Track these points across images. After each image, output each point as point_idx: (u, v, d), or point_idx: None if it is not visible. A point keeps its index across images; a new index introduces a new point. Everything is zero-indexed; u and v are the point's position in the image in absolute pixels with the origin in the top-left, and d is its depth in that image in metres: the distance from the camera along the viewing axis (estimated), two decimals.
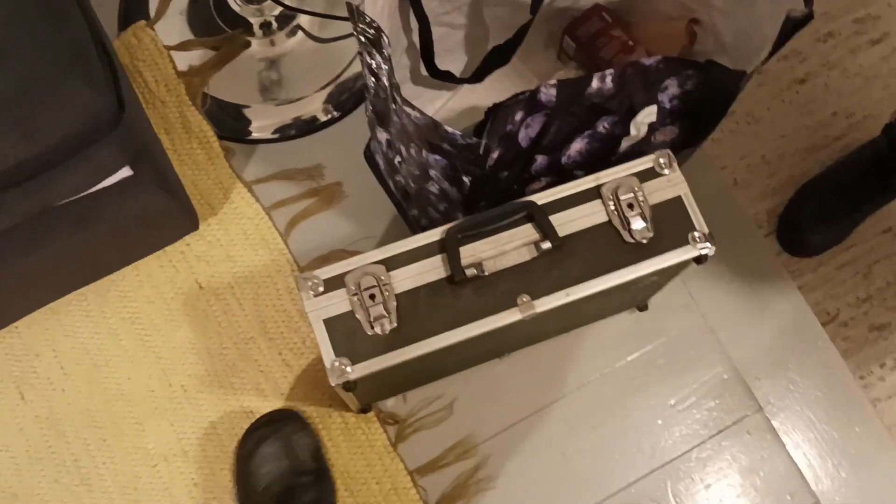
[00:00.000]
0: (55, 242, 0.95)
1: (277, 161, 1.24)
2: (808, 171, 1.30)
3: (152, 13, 1.26)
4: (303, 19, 1.27)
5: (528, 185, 0.97)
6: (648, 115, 0.91)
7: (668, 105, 0.91)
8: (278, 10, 1.24)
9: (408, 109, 0.85)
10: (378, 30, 0.84)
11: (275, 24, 1.25)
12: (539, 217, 0.89)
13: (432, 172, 0.93)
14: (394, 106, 0.88)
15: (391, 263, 0.89)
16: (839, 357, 1.21)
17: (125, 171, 0.94)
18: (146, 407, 1.13)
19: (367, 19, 0.84)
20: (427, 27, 1.07)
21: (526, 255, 0.89)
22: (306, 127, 1.25)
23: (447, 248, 0.88)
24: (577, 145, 0.93)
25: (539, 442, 1.15)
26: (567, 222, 0.90)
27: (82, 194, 0.92)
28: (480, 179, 0.91)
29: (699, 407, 1.17)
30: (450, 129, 0.84)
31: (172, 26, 1.25)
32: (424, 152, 0.91)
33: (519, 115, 0.86)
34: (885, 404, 1.20)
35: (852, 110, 1.35)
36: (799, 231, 1.26)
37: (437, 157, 0.89)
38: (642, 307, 1.19)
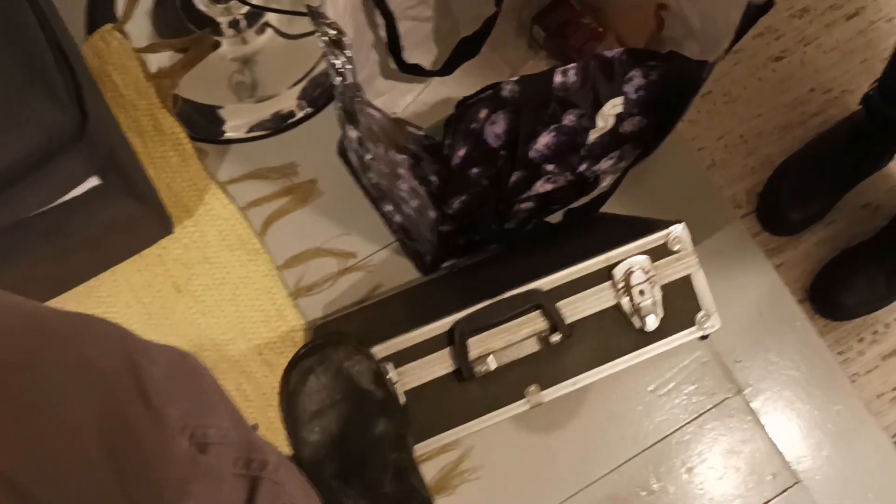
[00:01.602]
0: (27, 254, 0.95)
1: (251, 160, 1.24)
2: (786, 148, 1.30)
3: (119, 15, 1.25)
4: (271, 17, 1.26)
5: (500, 181, 0.97)
6: (614, 106, 0.91)
7: (633, 96, 0.91)
8: (246, 8, 1.23)
9: (370, 111, 0.84)
10: (339, 31, 0.83)
11: (243, 23, 1.24)
12: (548, 307, 0.89)
13: (400, 171, 0.93)
14: (358, 107, 0.88)
15: (398, 359, 0.89)
16: (817, 335, 1.22)
17: (93, 181, 0.94)
18: None
19: (327, 21, 0.84)
20: (392, 23, 1.07)
21: (534, 345, 0.90)
22: (280, 124, 1.25)
23: (455, 343, 0.88)
24: (544, 139, 0.92)
25: (522, 432, 1.16)
26: (576, 308, 0.91)
27: (51, 206, 0.92)
28: (448, 178, 0.91)
29: (679, 391, 1.18)
30: (413, 130, 0.84)
31: (140, 28, 1.25)
32: (391, 152, 0.91)
33: (483, 113, 0.86)
34: (864, 379, 1.21)
35: (829, 86, 1.35)
36: (778, 209, 1.26)
37: (404, 156, 0.89)
38: None
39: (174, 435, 0.51)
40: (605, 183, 1.10)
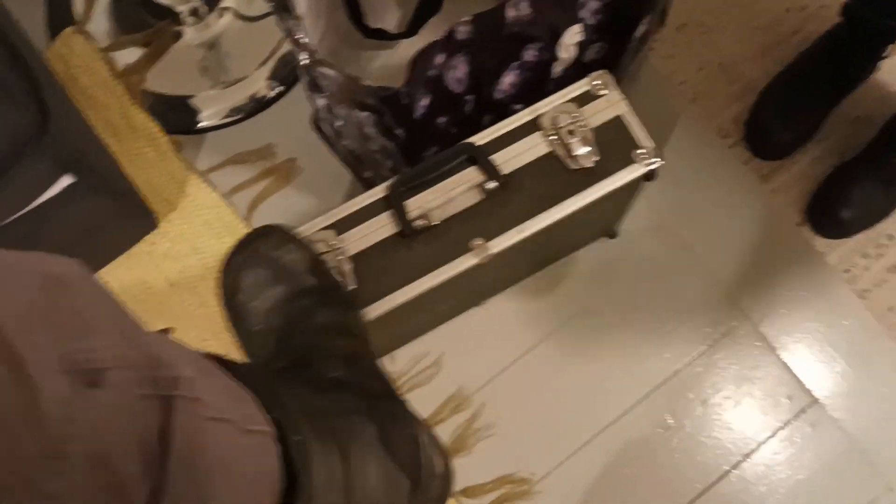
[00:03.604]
0: None
1: (228, 147, 1.23)
2: (768, 71, 1.28)
3: (79, 17, 1.24)
4: (230, 0, 1.25)
5: (470, 128, 0.96)
6: (574, 34, 0.89)
7: (592, 21, 0.89)
8: None
9: (324, 70, 0.83)
10: (291, 3, 0.82)
11: (203, 9, 1.23)
12: (480, 158, 0.88)
13: (367, 130, 0.92)
14: (315, 70, 0.87)
15: (340, 226, 0.89)
16: (819, 255, 1.20)
17: (65, 180, 0.93)
18: None
19: None
20: None
21: (473, 198, 0.89)
22: (255, 106, 1.24)
23: (392, 203, 0.88)
24: (508, 78, 0.91)
25: (530, 384, 1.15)
26: (509, 159, 0.89)
27: (25, 211, 0.91)
28: (413, 130, 0.90)
29: (685, 324, 1.16)
30: (367, 83, 0.83)
31: (101, 27, 1.24)
32: (354, 111, 0.89)
33: (439, 59, 0.85)
34: (874, 293, 1.19)
35: (805, 3, 1.32)
36: (767, 133, 1.24)
37: (366, 113, 0.88)
38: (612, 235, 1.18)
39: (43, 378, 0.41)
40: None
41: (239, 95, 1.24)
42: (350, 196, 1.20)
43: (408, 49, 1.22)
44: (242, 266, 0.81)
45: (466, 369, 1.15)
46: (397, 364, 1.15)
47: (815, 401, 1.13)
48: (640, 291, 1.18)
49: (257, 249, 0.82)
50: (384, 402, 0.75)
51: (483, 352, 1.16)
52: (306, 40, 0.85)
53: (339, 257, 0.87)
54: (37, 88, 0.89)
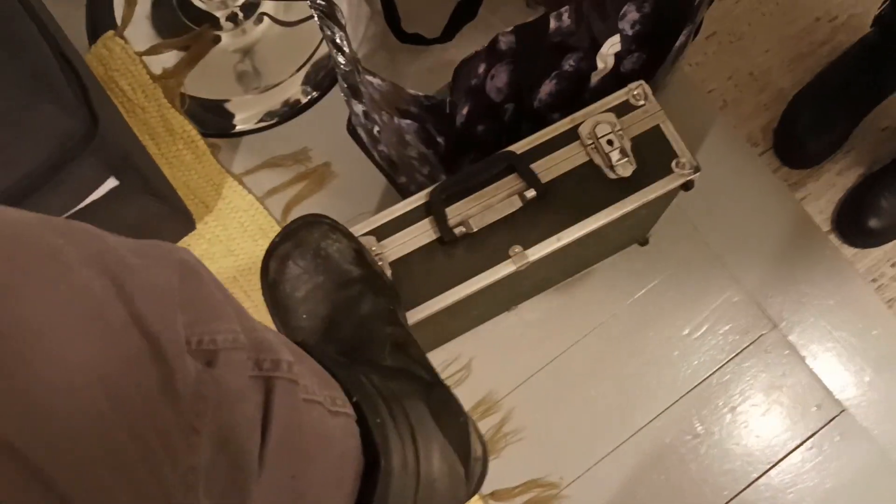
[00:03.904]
0: None
1: (264, 150, 1.25)
2: (797, 81, 1.29)
3: (119, 21, 1.26)
4: (267, 6, 1.27)
5: (508, 136, 0.97)
6: (612, 45, 0.91)
7: (630, 31, 0.90)
8: (241, 0, 1.24)
9: (369, 78, 0.85)
10: (329, 1, 0.84)
11: (241, 15, 1.25)
12: (520, 166, 0.89)
13: (407, 137, 0.93)
14: (358, 77, 0.88)
15: (380, 233, 0.90)
16: (848, 263, 1.20)
17: (111, 183, 0.95)
18: None
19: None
20: None
21: (512, 205, 0.90)
22: (288, 112, 1.26)
23: (433, 210, 0.89)
24: (547, 87, 0.92)
25: (560, 389, 1.16)
26: (549, 168, 0.90)
27: (71, 212, 0.93)
28: (454, 138, 0.91)
29: (714, 333, 1.17)
30: (413, 92, 0.84)
31: (141, 32, 1.26)
32: (395, 118, 0.91)
33: (481, 68, 0.86)
34: None
35: (834, 13, 1.33)
36: (796, 142, 1.25)
37: (408, 121, 0.89)
38: (643, 242, 1.19)
39: (178, 357, 0.42)
40: None
41: (274, 100, 1.26)
42: (384, 201, 1.22)
43: (441, 55, 1.24)
44: (289, 254, 0.80)
45: (496, 373, 1.16)
46: None
47: (843, 410, 1.14)
48: (669, 299, 1.19)
49: (304, 239, 0.81)
50: (436, 390, 0.75)
51: (513, 356, 1.17)
52: (348, 48, 0.86)
53: (380, 263, 0.88)
54: (86, 93, 0.91)
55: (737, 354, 1.16)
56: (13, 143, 0.83)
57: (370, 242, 0.89)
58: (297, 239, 0.81)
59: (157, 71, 1.24)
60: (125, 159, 0.96)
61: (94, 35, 1.26)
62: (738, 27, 1.33)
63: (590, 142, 0.90)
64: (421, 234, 0.90)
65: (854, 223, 1.21)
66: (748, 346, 1.17)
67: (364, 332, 0.77)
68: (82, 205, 0.94)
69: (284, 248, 0.81)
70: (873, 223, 1.20)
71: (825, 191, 1.25)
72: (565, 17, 0.86)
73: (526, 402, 1.15)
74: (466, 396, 1.16)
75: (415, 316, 0.88)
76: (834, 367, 1.16)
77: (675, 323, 1.18)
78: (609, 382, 1.16)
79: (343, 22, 0.84)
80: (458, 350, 1.17)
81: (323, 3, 0.83)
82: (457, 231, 0.88)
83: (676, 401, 1.15)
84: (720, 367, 1.16)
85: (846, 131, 1.25)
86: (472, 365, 1.17)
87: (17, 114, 0.83)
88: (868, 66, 1.21)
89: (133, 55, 1.23)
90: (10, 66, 0.84)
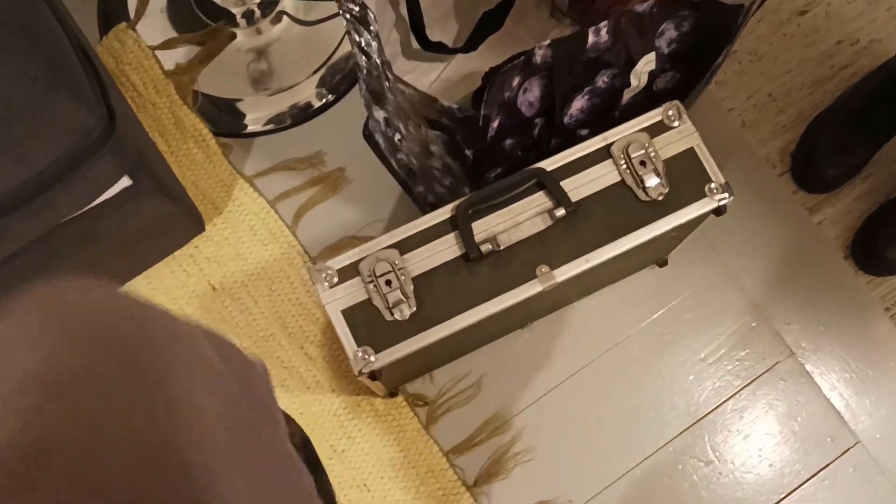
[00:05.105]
0: (61, 263, 0.93)
1: (276, 152, 1.22)
2: (817, 104, 1.27)
3: (132, 13, 1.23)
4: (287, 4, 1.24)
5: (535, 151, 0.94)
6: (647, 62, 0.88)
7: (666, 50, 0.88)
8: None
9: (402, 87, 0.82)
10: (363, 6, 0.81)
11: (258, 13, 1.22)
12: (550, 184, 0.87)
13: (433, 148, 0.91)
14: (387, 84, 0.86)
15: (404, 246, 0.87)
16: (865, 292, 1.19)
17: (124, 182, 0.92)
18: None
19: (354, 2, 0.81)
20: (415, 4, 1.04)
21: (540, 224, 0.87)
22: (302, 114, 1.23)
23: (459, 225, 0.86)
24: (578, 103, 0.90)
25: (572, 409, 1.14)
26: (579, 186, 0.88)
27: (84, 210, 0.90)
28: (483, 151, 0.88)
29: (730, 358, 1.15)
30: (446, 104, 0.81)
31: (154, 25, 1.22)
32: (423, 129, 0.88)
33: (516, 81, 0.83)
34: None
35: (857, 36, 1.31)
36: (814, 166, 1.23)
37: (437, 132, 0.87)
38: (662, 263, 1.17)
39: (283, 436, 0.51)
40: None
41: (287, 102, 1.22)
42: (398, 209, 1.20)
43: (463, 65, 1.21)
44: None
45: (507, 391, 1.14)
46: (436, 383, 1.14)
47: (858, 442, 1.12)
48: (686, 321, 1.17)
49: None
50: None
51: (525, 375, 1.14)
52: (377, 54, 0.84)
53: (402, 278, 0.85)
54: (103, 88, 0.88)
55: (752, 381, 1.14)
56: (28, 138, 0.80)
57: (392, 255, 0.86)
58: None
59: (170, 66, 1.21)
60: (140, 158, 0.93)
61: (105, 27, 1.22)
62: (760, 47, 1.31)
63: (622, 161, 0.88)
64: (445, 249, 0.87)
65: (870, 251, 1.20)
66: (764, 373, 1.15)
67: None
68: (94, 204, 0.90)
69: None
70: (890, 252, 1.18)
71: (842, 216, 1.23)
72: (603, 32, 0.84)
73: (537, 421, 1.13)
74: (476, 414, 1.13)
75: (437, 333, 0.85)
76: (850, 399, 1.14)
77: (690, 346, 1.16)
78: (622, 405, 1.14)
79: (374, 28, 0.81)
80: (468, 367, 1.14)
81: (357, 8, 0.80)
82: (483, 248, 0.85)
83: (690, 426, 1.13)
84: (735, 394, 1.14)
85: (865, 158, 1.24)
86: (482, 382, 1.14)
87: (35, 107, 0.80)
88: (890, 94, 1.20)
89: (146, 49, 1.19)
90: (29, 58, 0.81)
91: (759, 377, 1.15)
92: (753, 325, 1.16)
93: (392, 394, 1.12)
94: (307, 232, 1.19)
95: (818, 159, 1.23)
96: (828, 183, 1.24)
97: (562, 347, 1.15)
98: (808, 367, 1.15)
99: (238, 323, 1.14)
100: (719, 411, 1.13)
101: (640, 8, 0.85)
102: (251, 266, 1.16)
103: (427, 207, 1.15)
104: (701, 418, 1.13)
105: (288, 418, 1.01)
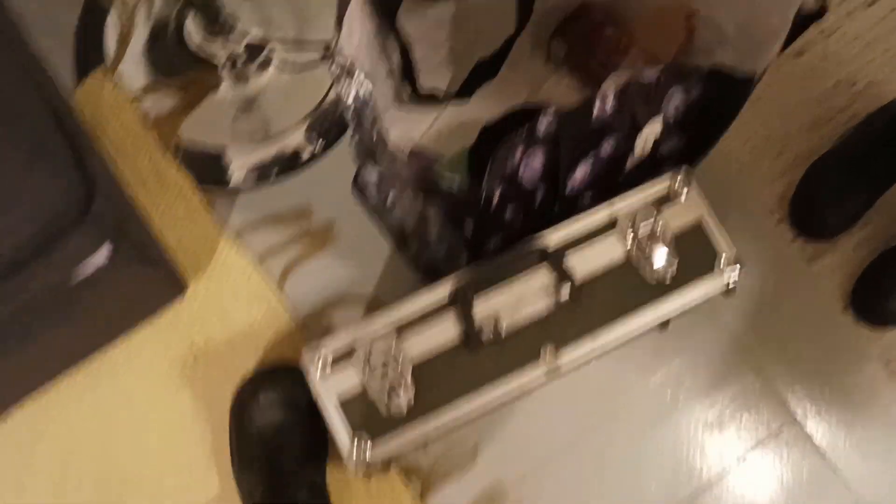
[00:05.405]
0: (36, 338, 0.88)
1: (263, 205, 1.17)
2: (815, 148, 1.24)
3: (111, 55, 1.17)
4: (274, 48, 1.18)
5: (537, 218, 0.91)
6: (653, 128, 0.85)
7: (672, 115, 0.85)
8: (246, 41, 1.16)
9: (400, 155, 0.78)
10: (356, 67, 0.77)
11: (244, 57, 1.17)
12: (555, 263, 0.83)
13: (430, 212, 0.87)
14: (384, 149, 0.81)
15: (402, 331, 0.83)
16: (867, 345, 1.16)
17: (104, 252, 0.87)
18: (154, 489, 1.06)
19: (344, 58, 0.77)
20: (407, 54, 1.00)
21: (544, 304, 0.83)
22: (290, 164, 1.18)
23: (460, 312, 0.82)
24: (581, 171, 0.86)
25: (572, 478, 1.10)
26: (584, 262, 0.84)
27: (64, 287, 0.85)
28: (483, 220, 0.84)
29: (733, 421, 1.12)
30: (446, 187, 0.77)
31: (134, 69, 1.17)
32: (422, 197, 0.84)
33: (518, 151, 0.80)
34: None
35: (854, 78, 1.29)
36: (813, 213, 1.20)
37: (435, 203, 0.83)
38: (663, 326, 1.13)
39: None
40: None
41: (273, 152, 1.17)
42: (388, 268, 1.15)
43: (456, 115, 1.17)
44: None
45: (504, 460, 1.10)
46: (429, 452, 1.10)
47: None
48: (687, 386, 1.14)
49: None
50: None
51: (522, 442, 1.11)
52: (373, 114, 0.80)
53: (401, 368, 0.81)
54: (80, 153, 0.83)
55: (756, 445, 1.12)
56: (2, 218, 0.75)
57: (390, 341, 0.82)
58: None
59: (152, 113, 1.15)
60: (119, 228, 0.88)
61: (83, 69, 1.16)
62: (756, 89, 1.27)
63: (629, 235, 0.84)
64: (445, 332, 0.83)
65: (869, 302, 1.17)
66: (767, 437, 1.12)
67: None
68: (70, 276, 0.85)
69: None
70: (890, 304, 1.16)
71: (841, 266, 1.20)
72: (609, 99, 0.80)
73: (535, 491, 1.09)
74: (470, 485, 1.09)
75: (435, 422, 0.81)
76: (855, 462, 1.11)
77: (693, 410, 1.13)
78: (623, 472, 1.10)
79: (370, 88, 0.77)
80: (463, 433, 1.10)
81: (347, 62, 0.75)
82: (484, 337, 0.81)
83: (692, 493, 1.10)
84: (739, 461, 1.11)
85: (865, 204, 1.21)
86: (478, 449, 1.10)
87: (9, 188, 0.75)
88: (892, 138, 1.17)
89: (124, 97, 1.14)
90: (3, 131, 0.76)
91: (762, 441, 1.12)
92: (757, 386, 1.14)
93: (384, 467, 1.07)
94: (294, 290, 1.14)
95: (817, 206, 1.20)
96: (827, 230, 1.21)
97: (561, 414, 1.12)
98: (812, 432, 1.12)
99: (226, 389, 1.07)
100: (723, 478, 1.10)
101: (648, 78, 0.82)
102: (237, 327, 1.11)
103: (421, 267, 1.11)
104: (703, 484, 1.10)
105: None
